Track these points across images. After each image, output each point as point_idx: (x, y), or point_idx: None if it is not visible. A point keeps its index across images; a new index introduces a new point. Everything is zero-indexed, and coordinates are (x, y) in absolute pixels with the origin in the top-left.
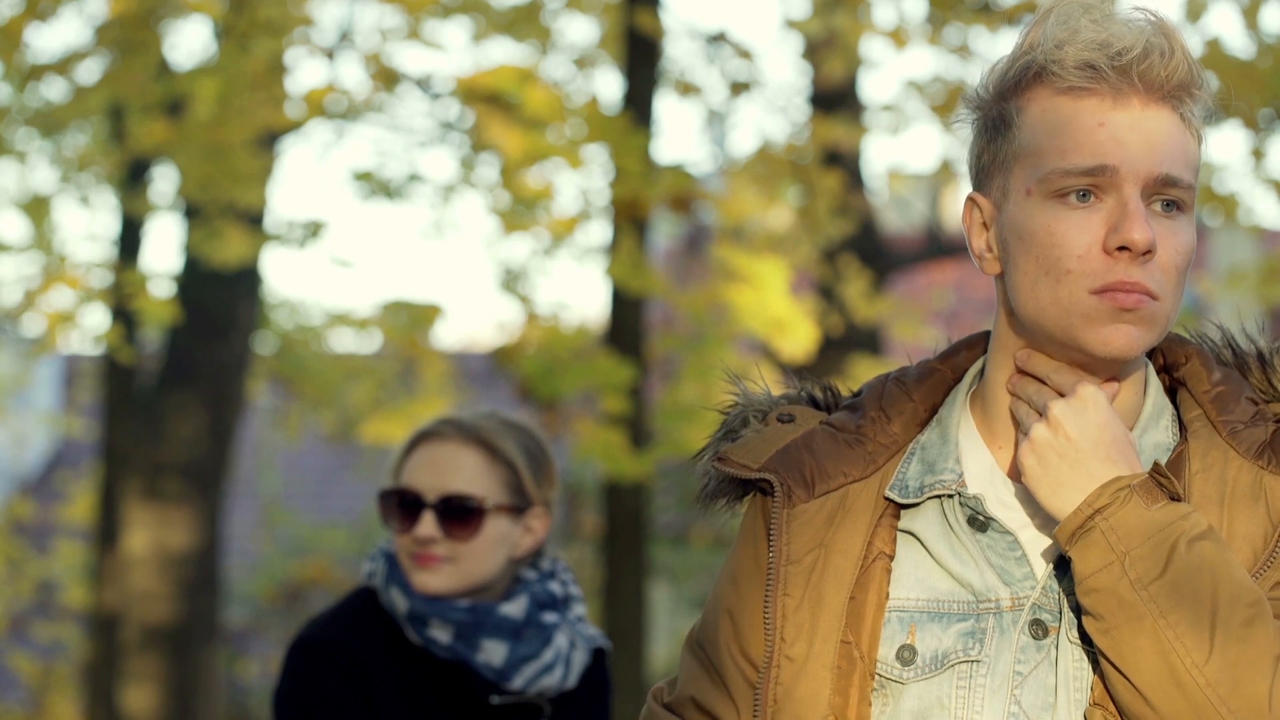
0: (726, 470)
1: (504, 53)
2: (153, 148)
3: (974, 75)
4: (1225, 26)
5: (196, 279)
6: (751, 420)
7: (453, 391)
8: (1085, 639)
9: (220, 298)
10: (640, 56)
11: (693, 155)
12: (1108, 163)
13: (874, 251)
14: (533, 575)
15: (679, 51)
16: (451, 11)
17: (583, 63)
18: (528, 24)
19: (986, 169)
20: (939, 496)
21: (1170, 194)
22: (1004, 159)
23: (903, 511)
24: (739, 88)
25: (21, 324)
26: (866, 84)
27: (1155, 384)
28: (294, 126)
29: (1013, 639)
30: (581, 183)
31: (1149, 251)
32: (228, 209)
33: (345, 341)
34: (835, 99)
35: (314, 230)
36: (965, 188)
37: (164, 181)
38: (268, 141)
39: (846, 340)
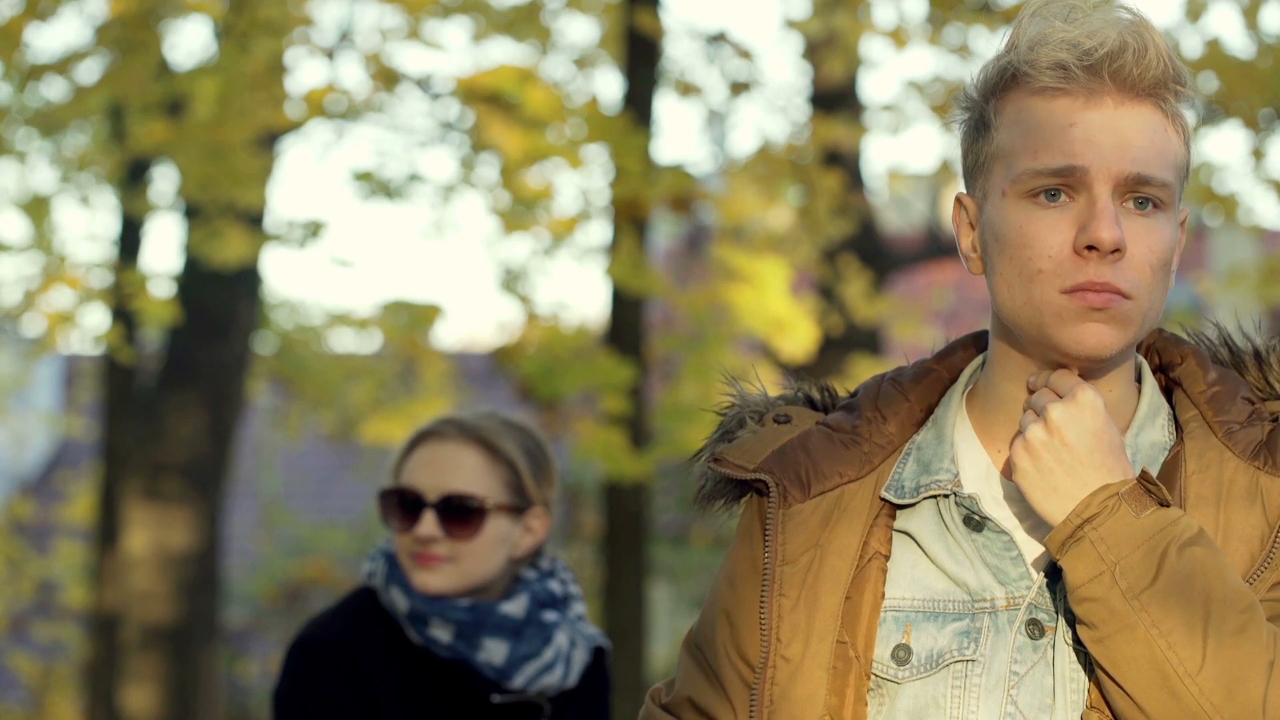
0: (722, 471)
1: (504, 53)
2: (153, 148)
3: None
4: (1225, 26)
5: (196, 279)
6: (748, 421)
7: (453, 391)
8: (1081, 642)
9: (220, 298)
10: (640, 56)
11: (693, 155)
12: (1077, 163)
13: (874, 251)
14: (532, 574)
15: (679, 51)
16: (451, 11)
17: (583, 63)
18: (528, 24)
19: (971, 170)
20: (935, 496)
21: (1144, 192)
22: (984, 160)
23: (898, 512)
24: (739, 88)
25: (21, 324)
26: (866, 84)
27: (1151, 383)
28: (294, 126)
29: (1009, 639)
30: (581, 183)
31: (1118, 250)
32: (228, 209)
33: (345, 341)
34: (835, 99)
35: (314, 230)
36: (960, 188)
37: (164, 181)
38: (268, 141)
39: (846, 340)
